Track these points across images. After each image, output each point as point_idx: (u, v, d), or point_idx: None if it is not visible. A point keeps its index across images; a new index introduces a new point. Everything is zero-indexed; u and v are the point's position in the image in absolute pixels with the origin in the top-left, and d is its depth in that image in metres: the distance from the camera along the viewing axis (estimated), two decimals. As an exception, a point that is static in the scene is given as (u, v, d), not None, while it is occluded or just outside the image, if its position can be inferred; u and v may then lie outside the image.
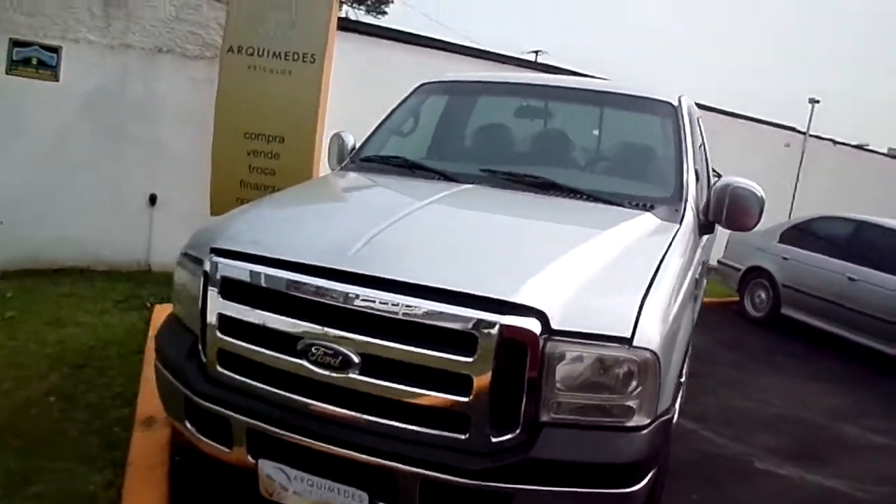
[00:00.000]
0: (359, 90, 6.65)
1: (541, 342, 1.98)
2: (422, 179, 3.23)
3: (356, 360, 2.07)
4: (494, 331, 1.95)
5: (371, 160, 3.57)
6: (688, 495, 3.15)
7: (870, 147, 16.74)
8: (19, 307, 4.68)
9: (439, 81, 4.00)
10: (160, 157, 6.10)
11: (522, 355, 1.98)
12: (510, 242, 2.49)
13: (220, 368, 2.33)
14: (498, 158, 3.47)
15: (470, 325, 1.97)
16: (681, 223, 2.93)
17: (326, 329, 2.10)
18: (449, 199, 2.75)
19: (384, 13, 25.08)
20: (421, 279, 2.07)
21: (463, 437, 2.03)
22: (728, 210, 3.07)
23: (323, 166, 5.94)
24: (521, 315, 1.98)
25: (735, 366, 6.09)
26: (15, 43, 5.44)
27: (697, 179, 3.33)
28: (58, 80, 5.64)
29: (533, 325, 1.98)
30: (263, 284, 2.21)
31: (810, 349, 7.16)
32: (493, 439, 2.02)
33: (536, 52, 32.07)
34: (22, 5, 5.31)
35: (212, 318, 2.31)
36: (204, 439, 2.38)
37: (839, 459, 4.22)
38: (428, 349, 2.01)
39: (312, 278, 2.13)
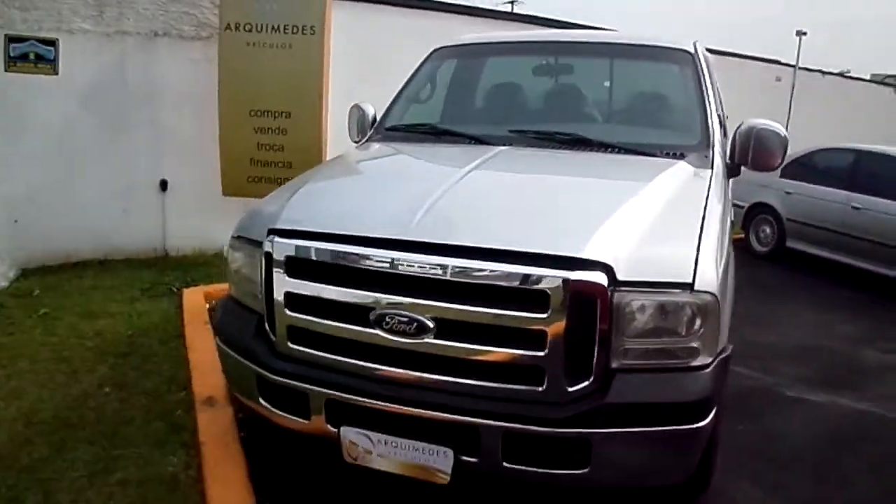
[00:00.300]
0: (358, 59, 6.64)
1: (609, 294, 2.07)
2: (454, 145, 3.28)
3: (431, 325, 2.15)
4: (566, 286, 2.03)
5: (397, 129, 3.60)
6: (733, 427, 3.29)
7: (851, 74, 16.81)
8: (50, 304, 4.73)
9: (453, 45, 4.01)
10: (167, 141, 6.08)
11: (592, 307, 2.06)
12: (562, 200, 2.56)
13: (291, 344, 2.40)
14: (524, 118, 3.52)
15: (542, 283, 2.05)
16: (712, 168, 3.01)
17: (400, 298, 2.17)
18: (490, 162, 2.80)
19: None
20: (488, 242, 2.14)
21: (540, 388, 2.12)
22: (754, 152, 3.13)
23: (331, 139, 5.98)
24: (589, 269, 2.06)
25: (750, 300, 6.18)
26: (10, 39, 5.38)
27: (721, 125, 3.39)
28: (57, 74, 5.57)
29: (601, 278, 2.06)
30: (331, 260, 2.27)
31: (819, 280, 7.32)
32: (569, 388, 2.11)
33: (512, 2, 31.66)
34: (15, 0, 5.23)
35: (279, 297, 2.38)
36: (281, 413, 2.46)
37: (865, 383, 4.37)
38: (502, 309, 2.09)
39: (382, 251, 2.20)
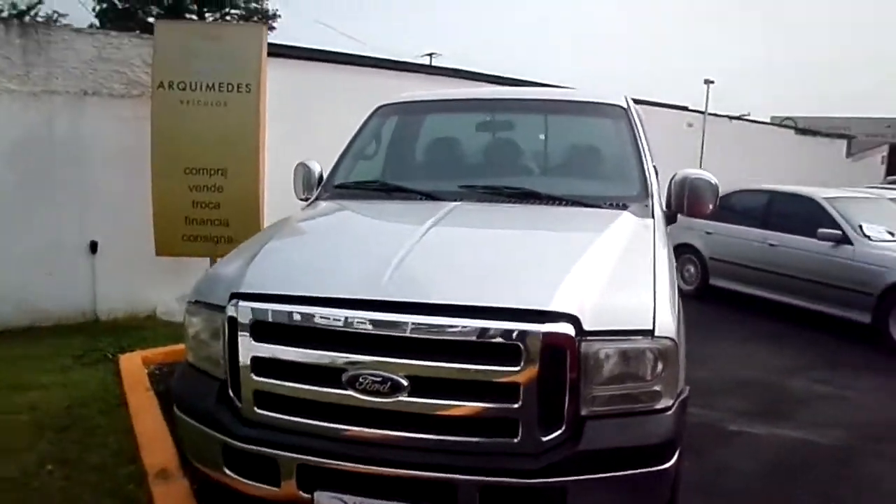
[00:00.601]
0: (292, 114, 6.68)
1: (577, 343, 2.15)
2: (405, 202, 3.34)
3: (405, 383, 2.17)
4: (538, 339, 2.11)
5: (346, 186, 3.64)
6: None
7: (749, 117, 18.03)
8: (-26, 377, 4.45)
9: (396, 103, 4.11)
10: (97, 201, 5.92)
11: (562, 358, 2.14)
12: (523, 254, 2.65)
13: (258, 410, 2.36)
14: (472, 173, 3.63)
15: (515, 337, 2.11)
16: (653, 217, 3.18)
17: (374, 358, 2.18)
18: (448, 219, 2.87)
19: (273, 28, 24.71)
20: (459, 299, 2.20)
21: (515, 440, 2.16)
22: (689, 200, 3.36)
23: (269, 197, 5.96)
24: (558, 321, 2.15)
25: (683, 339, 6.48)
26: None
27: (656, 174, 3.59)
28: (-20, 134, 5.38)
29: (569, 329, 2.14)
30: (301, 323, 2.27)
31: (742, 314, 7.71)
32: (543, 438, 2.16)
33: (430, 55, 32.49)
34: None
35: (245, 362, 2.35)
36: (249, 482, 2.40)
37: (798, 412, 4.62)
38: (476, 364, 2.13)
39: (354, 311, 2.21)
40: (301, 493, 2.30)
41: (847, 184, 12.43)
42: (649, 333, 2.24)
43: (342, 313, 2.22)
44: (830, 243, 6.90)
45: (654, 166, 3.56)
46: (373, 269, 2.36)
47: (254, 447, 2.34)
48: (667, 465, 2.27)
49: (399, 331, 2.18)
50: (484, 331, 2.13)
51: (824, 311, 6.95)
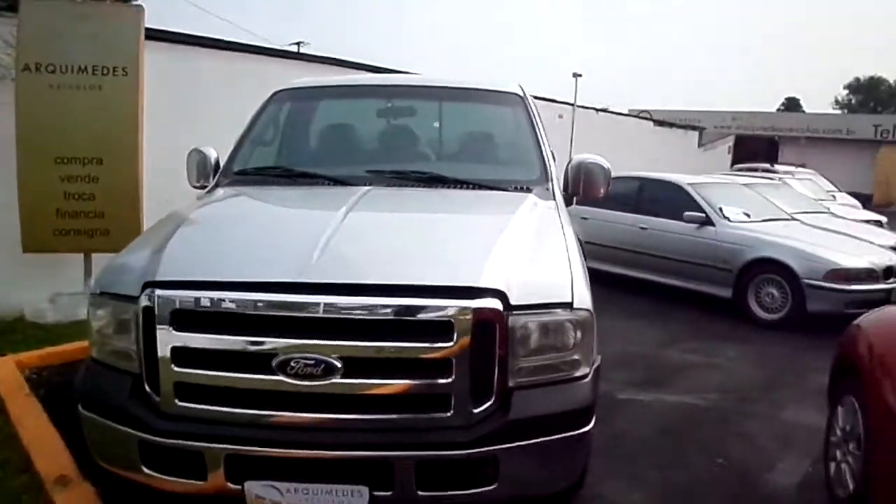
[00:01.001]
0: (170, 101, 6.35)
1: (505, 318, 2.25)
2: (313, 186, 3.31)
3: (339, 365, 2.17)
4: (469, 315, 2.18)
5: (247, 172, 3.54)
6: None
7: (612, 109, 19.16)
8: None
9: (293, 88, 4.04)
10: (-50, 195, 5.33)
11: (492, 332, 2.23)
12: (444, 234, 2.72)
13: (179, 402, 2.28)
14: (376, 159, 3.65)
15: (448, 313, 2.17)
16: (555, 199, 3.35)
17: (306, 341, 2.17)
18: (364, 202, 2.87)
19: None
20: (390, 279, 2.23)
21: (448, 414, 2.23)
22: (584, 184, 3.56)
23: (147, 185, 5.64)
24: (487, 297, 2.23)
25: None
26: None
27: (553, 159, 3.77)
28: None
29: (498, 304, 2.24)
30: (229, 309, 2.21)
31: (618, 293, 8.18)
32: (474, 411, 2.25)
33: (298, 44, 31.74)
34: None
35: (164, 353, 2.26)
36: (170, 479, 2.32)
37: (676, 380, 5.03)
38: (410, 342, 2.18)
39: (283, 295, 2.19)
40: (229, 484, 2.25)
41: (700, 172, 13.50)
42: (569, 306, 2.38)
43: (271, 297, 2.19)
44: (695, 225, 7.52)
45: (552, 152, 3.74)
46: (299, 252, 2.34)
47: (176, 441, 2.26)
48: (587, 428, 2.44)
49: (332, 312, 2.17)
50: (417, 308, 2.18)
51: (691, 289, 7.56)
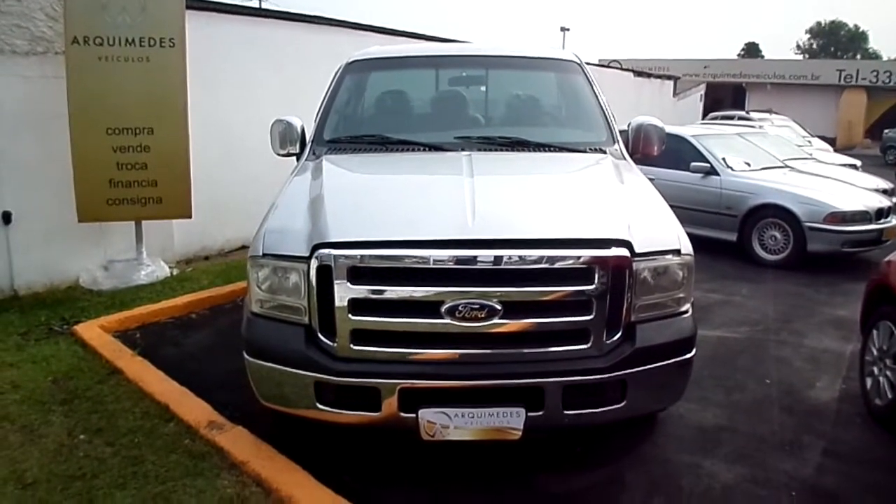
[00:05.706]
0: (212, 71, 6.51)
1: (631, 264, 2.66)
2: (411, 152, 3.60)
3: (499, 307, 2.55)
4: (606, 262, 2.58)
5: (340, 140, 3.80)
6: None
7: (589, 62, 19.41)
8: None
9: (368, 59, 4.27)
10: (6, 169, 5.47)
11: (622, 276, 2.63)
12: (566, 194, 3.10)
13: (354, 346, 2.63)
14: (458, 124, 3.94)
15: (590, 262, 2.57)
16: (626, 159, 3.73)
17: (472, 288, 2.54)
18: (478, 167, 3.18)
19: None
20: (539, 234, 2.62)
21: (587, 346, 2.64)
22: (643, 143, 3.93)
23: (196, 154, 5.86)
24: (619, 247, 2.63)
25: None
26: None
27: (615, 121, 4.13)
28: None
29: (626, 252, 2.63)
30: (402, 265, 2.56)
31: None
32: (607, 342, 2.67)
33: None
34: None
35: (342, 304, 2.59)
36: (343, 412, 2.69)
37: (707, 317, 5.52)
38: (559, 286, 2.57)
39: (449, 250, 2.54)
40: (401, 413, 2.62)
41: (677, 121, 13.92)
42: (677, 252, 2.79)
43: (442, 253, 2.54)
44: (701, 175, 7.97)
45: (613, 115, 4.10)
46: (453, 213, 2.69)
47: (354, 380, 2.62)
48: (693, 354, 2.87)
49: (491, 264, 2.54)
50: (565, 258, 2.56)
51: (699, 234, 8.03)
